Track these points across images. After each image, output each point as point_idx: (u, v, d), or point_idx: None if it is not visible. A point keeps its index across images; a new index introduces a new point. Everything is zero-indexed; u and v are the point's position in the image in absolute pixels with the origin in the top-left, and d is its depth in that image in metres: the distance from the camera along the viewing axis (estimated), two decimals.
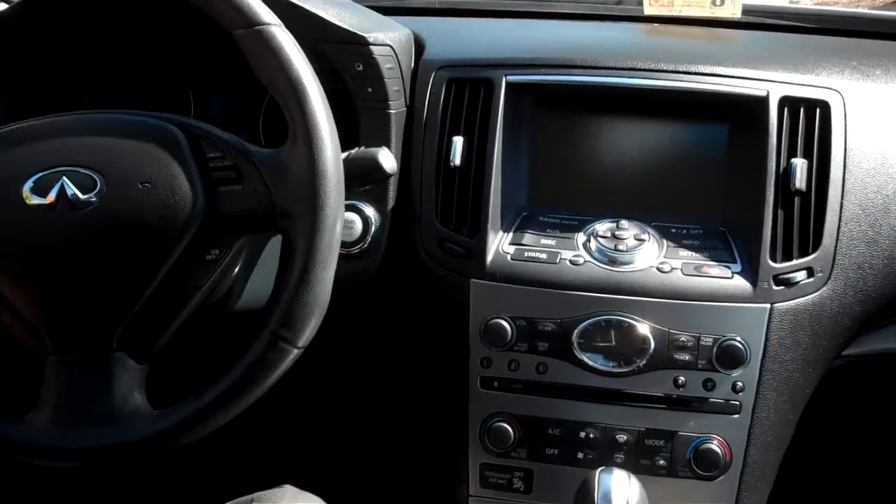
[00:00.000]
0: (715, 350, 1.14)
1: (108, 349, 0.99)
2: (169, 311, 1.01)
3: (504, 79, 1.23)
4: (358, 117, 1.25)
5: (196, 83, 1.45)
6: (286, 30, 0.97)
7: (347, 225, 1.21)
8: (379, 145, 1.21)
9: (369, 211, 1.24)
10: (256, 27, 0.96)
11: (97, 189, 0.97)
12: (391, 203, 1.25)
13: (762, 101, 1.19)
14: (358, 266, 1.23)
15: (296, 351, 0.96)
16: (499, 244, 1.21)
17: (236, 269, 1.08)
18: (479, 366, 1.19)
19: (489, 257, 1.19)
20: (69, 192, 0.97)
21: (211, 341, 1.23)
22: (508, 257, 1.19)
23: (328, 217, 0.95)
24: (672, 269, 1.16)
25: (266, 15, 0.97)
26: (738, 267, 1.17)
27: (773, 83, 1.20)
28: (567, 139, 1.28)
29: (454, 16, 1.58)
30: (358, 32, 1.21)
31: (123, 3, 1.24)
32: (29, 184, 0.98)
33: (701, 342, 1.14)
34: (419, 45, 1.33)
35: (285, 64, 0.95)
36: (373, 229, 1.23)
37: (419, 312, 1.18)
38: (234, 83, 1.43)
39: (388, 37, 1.25)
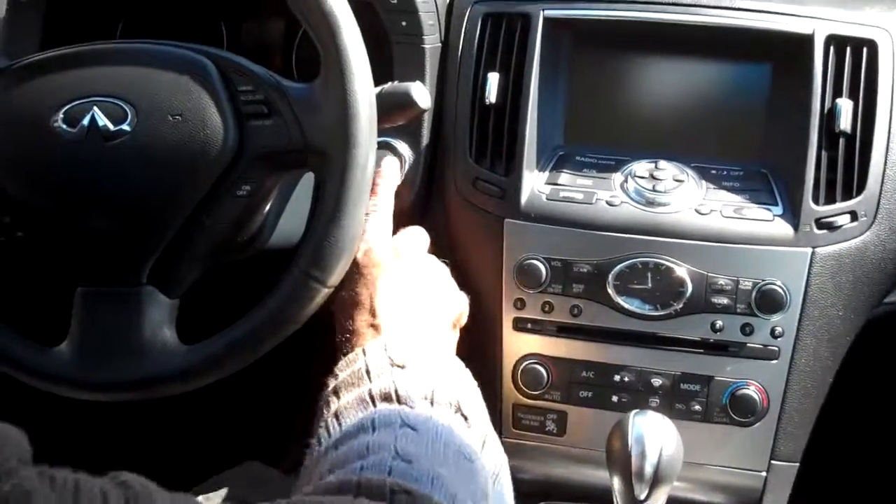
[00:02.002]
0: (754, 294, 1.11)
1: (138, 283, 0.98)
2: (199, 247, 0.99)
3: (541, 13, 1.20)
4: (392, 52, 1.22)
5: (229, 13, 1.42)
6: None
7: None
8: (413, 80, 1.19)
9: (402, 148, 1.21)
10: None
11: (128, 120, 0.96)
12: (424, 140, 1.23)
13: (807, 40, 1.15)
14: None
15: (325, 290, 0.94)
16: (534, 183, 1.18)
17: (268, 206, 1.06)
18: (512, 307, 1.18)
19: (524, 197, 1.17)
20: (100, 123, 0.95)
21: (242, 278, 1.22)
22: (544, 197, 1.17)
23: (360, 155, 0.93)
24: (711, 210, 1.14)
25: None
26: (779, 209, 1.14)
27: (818, 20, 1.16)
28: (605, 76, 1.25)
29: None
30: None
31: None
32: (60, 114, 0.96)
33: (740, 286, 1.12)
34: None
35: None
36: (405, 167, 1.21)
37: (451, 252, 1.16)
38: (266, 14, 1.40)
39: None
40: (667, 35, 1.23)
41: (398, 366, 0.85)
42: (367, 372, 0.85)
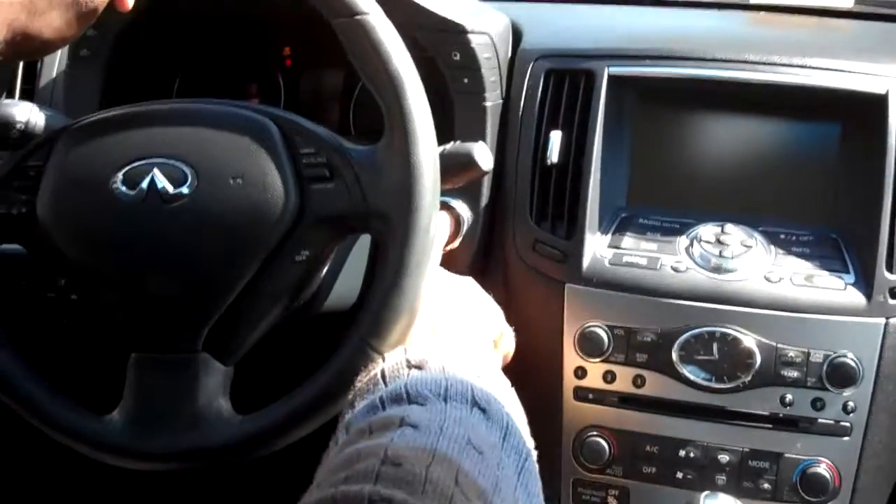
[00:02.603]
0: (825, 367, 1.07)
1: (194, 349, 0.96)
2: (256, 313, 0.97)
3: (606, 70, 1.17)
4: (452, 108, 1.20)
5: (287, 65, 1.41)
6: (387, 19, 0.93)
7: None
8: (474, 138, 1.16)
9: (461, 208, 1.19)
10: (357, 16, 0.91)
11: (188, 182, 0.94)
12: (484, 200, 1.20)
13: (880, 100, 1.12)
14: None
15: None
16: (596, 247, 1.15)
17: (325, 270, 1.04)
18: (573, 376, 1.14)
19: (586, 261, 1.14)
20: (159, 185, 0.94)
21: (296, 343, 1.20)
22: (606, 261, 1.14)
23: (423, 219, 0.90)
24: (780, 278, 1.10)
25: (367, 4, 0.92)
26: (851, 278, 1.10)
27: (892, 79, 1.13)
28: (670, 135, 1.22)
29: (549, 2, 1.51)
30: (456, 20, 1.16)
31: None
32: (119, 175, 0.95)
33: (810, 358, 1.08)
34: (516, 34, 1.28)
35: (385, 57, 0.91)
36: (464, 228, 1.18)
37: (510, 317, 1.13)
38: (325, 66, 1.38)
39: (487, 25, 1.20)
40: (732, 93, 1.20)
41: (415, 366, 0.81)
42: (383, 376, 0.81)
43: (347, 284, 1.10)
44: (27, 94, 1.40)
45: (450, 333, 0.93)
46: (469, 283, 1.02)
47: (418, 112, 0.91)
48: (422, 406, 0.75)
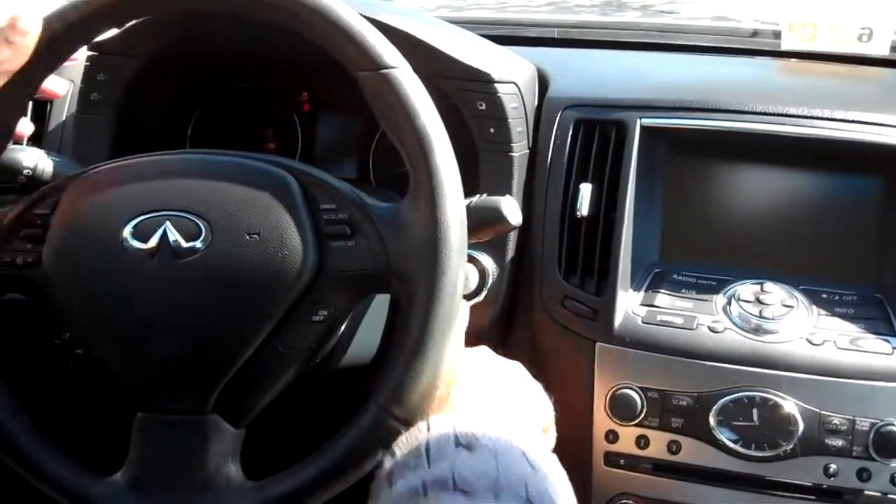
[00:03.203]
0: (872, 435, 1.01)
1: (203, 411, 0.91)
2: (270, 374, 0.92)
3: (638, 121, 1.13)
4: (478, 158, 1.16)
5: (305, 107, 1.37)
6: (413, 73, 0.88)
7: None
8: (500, 190, 1.12)
9: (486, 261, 1.14)
10: (382, 70, 0.87)
11: (201, 237, 0.90)
12: (510, 253, 1.15)
13: None
14: (471, 322, 1.13)
15: (407, 428, 0.86)
16: (628, 304, 1.10)
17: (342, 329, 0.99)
18: (603, 440, 1.09)
19: (618, 319, 1.08)
20: (171, 239, 0.90)
21: (308, 400, 1.14)
22: (639, 320, 1.08)
23: (448, 283, 0.86)
24: (824, 341, 1.04)
25: (393, 57, 0.88)
26: None
27: None
28: (704, 188, 1.17)
29: (575, 47, 1.47)
30: (482, 69, 1.12)
31: (241, 30, 1.16)
32: (129, 227, 0.91)
33: (856, 426, 1.02)
34: (543, 81, 1.24)
35: (412, 113, 0.86)
36: (489, 282, 1.14)
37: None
38: (344, 109, 1.34)
39: (513, 73, 1.15)
40: (770, 146, 1.16)
41: (464, 446, 0.75)
42: (427, 451, 0.76)
43: (364, 338, 1.05)
44: (36, 138, 1.36)
45: (500, 414, 0.87)
46: (517, 367, 0.97)
47: (445, 171, 0.86)
48: (468, 499, 0.69)
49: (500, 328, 1.17)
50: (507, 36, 1.47)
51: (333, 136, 1.34)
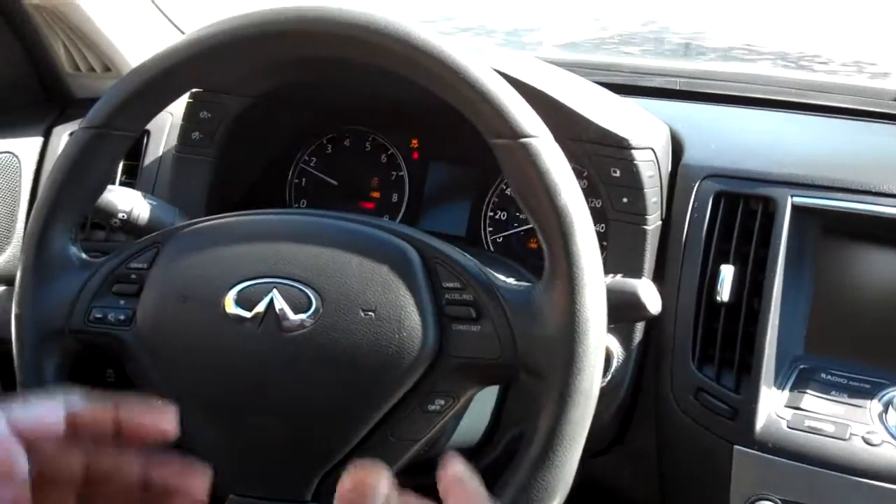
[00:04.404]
0: None
1: (301, 499, 0.85)
2: (378, 463, 0.83)
3: (790, 199, 1.02)
4: (606, 229, 1.06)
5: (414, 158, 1.28)
6: (555, 143, 0.79)
7: None
8: (631, 266, 1.03)
9: (611, 343, 1.04)
10: (522, 139, 0.79)
11: (312, 309, 0.83)
12: (637, 336, 1.05)
13: None
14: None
15: None
16: (772, 405, 0.99)
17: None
18: None
19: (760, 421, 0.98)
20: (278, 308, 0.83)
21: (408, 485, 1.05)
22: (784, 423, 0.97)
23: (584, 381, 0.78)
24: None
25: (534, 125, 0.80)
26: None
27: None
28: (857, 275, 1.06)
29: (698, 101, 1.36)
30: (619, 133, 1.02)
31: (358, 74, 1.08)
32: (233, 293, 0.85)
33: None
34: (676, 145, 1.13)
35: (553, 189, 0.78)
36: (613, 366, 1.04)
37: (663, 476, 0.97)
38: (459, 163, 1.25)
39: (650, 138, 1.05)
40: None
41: None
42: None
43: (471, 416, 0.95)
44: (129, 172, 1.29)
45: None
46: None
47: (587, 255, 0.79)
48: None
49: (623, 418, 1.06)
50: (624, 85, 1.37)
51: (443, 189, 1.25)
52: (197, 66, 0.87)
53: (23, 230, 1.31)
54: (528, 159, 0.79)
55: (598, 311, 0.79)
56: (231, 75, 1.12)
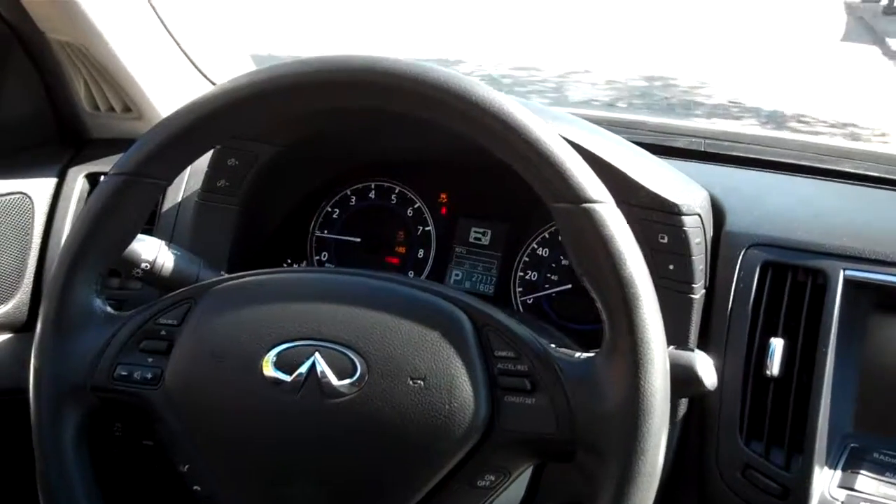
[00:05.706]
0: None
1: None
2: None
3: (842, 273, 0.99)
4: None
5: (442, 213, 1.24)
6: (619, 211, 0.76)
7: None
8: (676, 337, 0.99)
9: None
10: (585, 205, 0.75)
11: (356, 375, 0.79)
12: (681, 409, 1.01)
13: None
14: None
15: None
16: (824, 484, 0.95)
17: None
18: None
19: (813, 501, 0.94)
20: (320, 373, 0.79)
21: None
22: None
23: (647, 463, 0.75)
24: None
25: (598, 190, 0.76)
26: None
27: None
28: None
29: (725, 164, 1.32)
30: (669, 199, 0.99)
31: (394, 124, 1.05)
32: (272, 355, 0.81)
33: None
34: (718, 212, 1.09)
35: (618, 259, 0.75)
36: None
37: None
38: (489, 219, 1.21)
39: (696, 203, 1.02)
40: None
41: None
42: None
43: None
44: (147, 220, 1.24)
45: None
46: None
47: (653, 329, 0.75)
48: None
49: (666, 491, 1.02)
50: (650, 144, 1.33)
51: (472, 247, 1.21)
52: (238, 115, 0.83)
53: (33, 275, 1.26)
54: (591, 226, 0.75)
55: (663, 388, 0.75)
56: (265, 124, 1.08)
